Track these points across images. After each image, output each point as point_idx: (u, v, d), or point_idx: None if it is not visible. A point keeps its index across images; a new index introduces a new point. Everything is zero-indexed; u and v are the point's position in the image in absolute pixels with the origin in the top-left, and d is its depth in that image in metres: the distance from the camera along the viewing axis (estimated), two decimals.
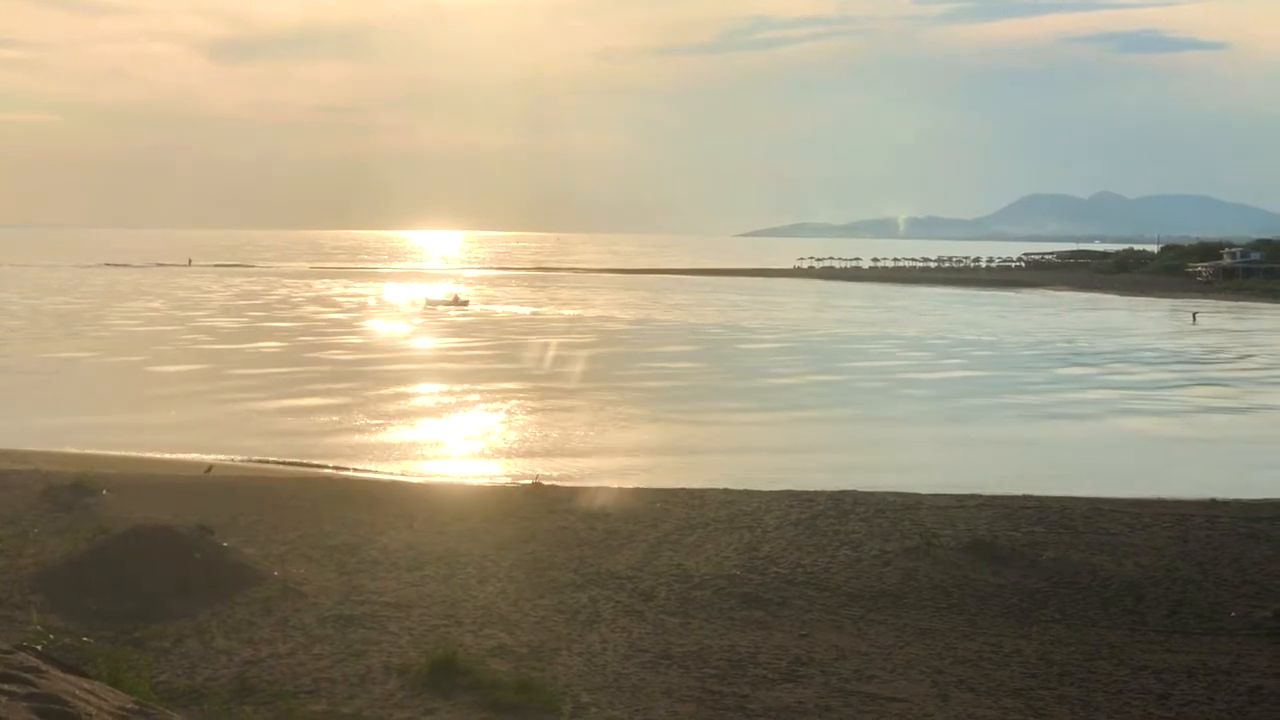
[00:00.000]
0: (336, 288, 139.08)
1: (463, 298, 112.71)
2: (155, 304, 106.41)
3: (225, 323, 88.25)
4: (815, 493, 28.94)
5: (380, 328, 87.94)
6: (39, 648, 9.83)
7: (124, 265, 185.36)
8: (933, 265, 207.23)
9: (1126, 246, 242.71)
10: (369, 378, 55.95)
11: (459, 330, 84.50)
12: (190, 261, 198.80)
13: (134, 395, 49.82)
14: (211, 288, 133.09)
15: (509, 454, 37.42)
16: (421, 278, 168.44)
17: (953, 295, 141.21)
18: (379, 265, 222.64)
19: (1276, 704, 15.68)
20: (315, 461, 35.33)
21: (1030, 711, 14.99)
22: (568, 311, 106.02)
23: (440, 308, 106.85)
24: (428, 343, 77.22)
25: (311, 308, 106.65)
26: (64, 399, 48.62)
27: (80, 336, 74.47)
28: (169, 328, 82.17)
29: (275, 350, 69.43)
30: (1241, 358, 72.69)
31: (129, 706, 7.61)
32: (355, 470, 34.08)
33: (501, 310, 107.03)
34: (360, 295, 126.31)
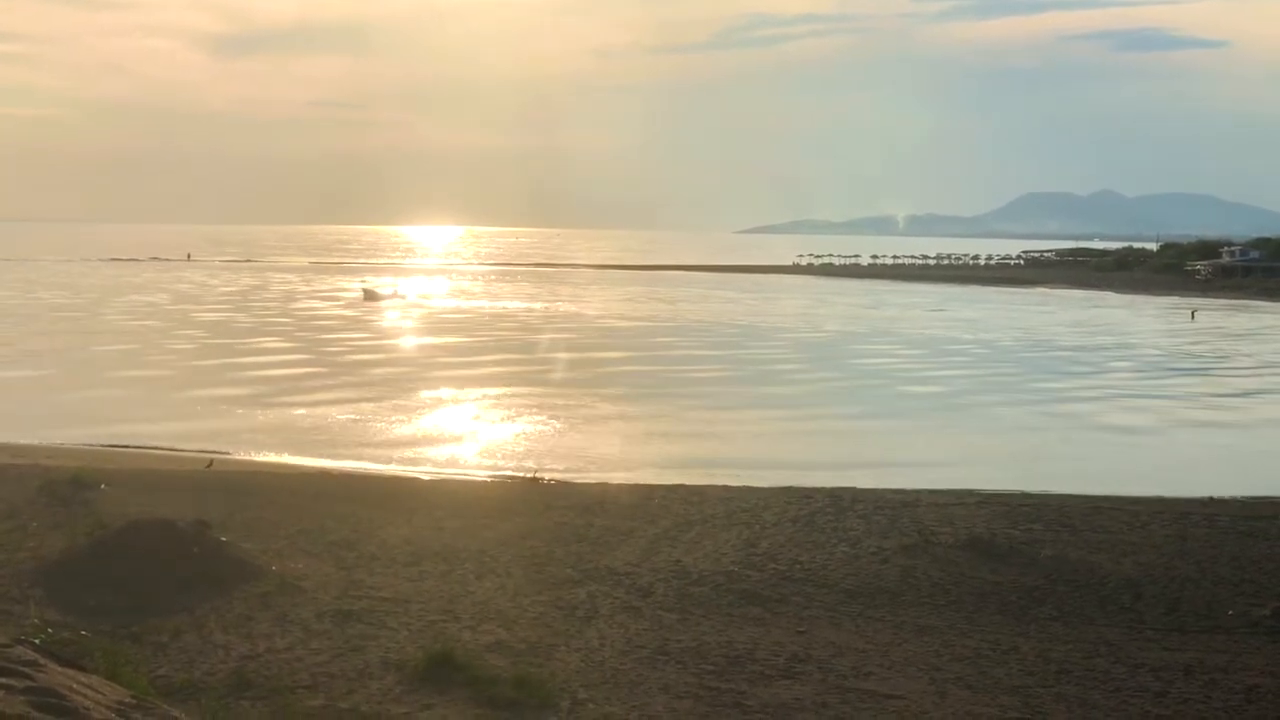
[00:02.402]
0: (311, 283, 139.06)
1: (400, 291, 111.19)
2: (155, 298, 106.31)
3: (218, 318, 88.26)
4: (813, 489, 28.96)
5: (322, 322, 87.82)
6: (37, 642, 9.84)
7: (129, 260, 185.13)
8: (932, 263, 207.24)
9: (1126, 245, 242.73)
10: (360, 375, 55.99)
11: (429, 329, 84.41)
12: (189, 256, 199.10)
13: (133, 392, 49.84)
14: (210, 283, 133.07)
15: (506, 450, 37.39)
16: (419, 273, 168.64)
17: (952, 293, 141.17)
18: (376, 260, 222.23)
19: (1273, 702, 15.69)
20: (314, 457, 35.34)
21: (1028, 709, 15.00)
22: (543, 306, 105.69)
23: (382, 300, 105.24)
24: (406, 340, 77.14)
25: (305, 303, 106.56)
26: (58, 393, 48.62)
27: (58, 334, 74.36)
28: (162, 323, 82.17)
29: (272, 346, 69.43)
30: (1230, 356, 72.73)
31: (127, 700, 7.61)
32: (354, 466, 34.08)
33: (479, 306, 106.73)
34: (346, 291, 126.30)
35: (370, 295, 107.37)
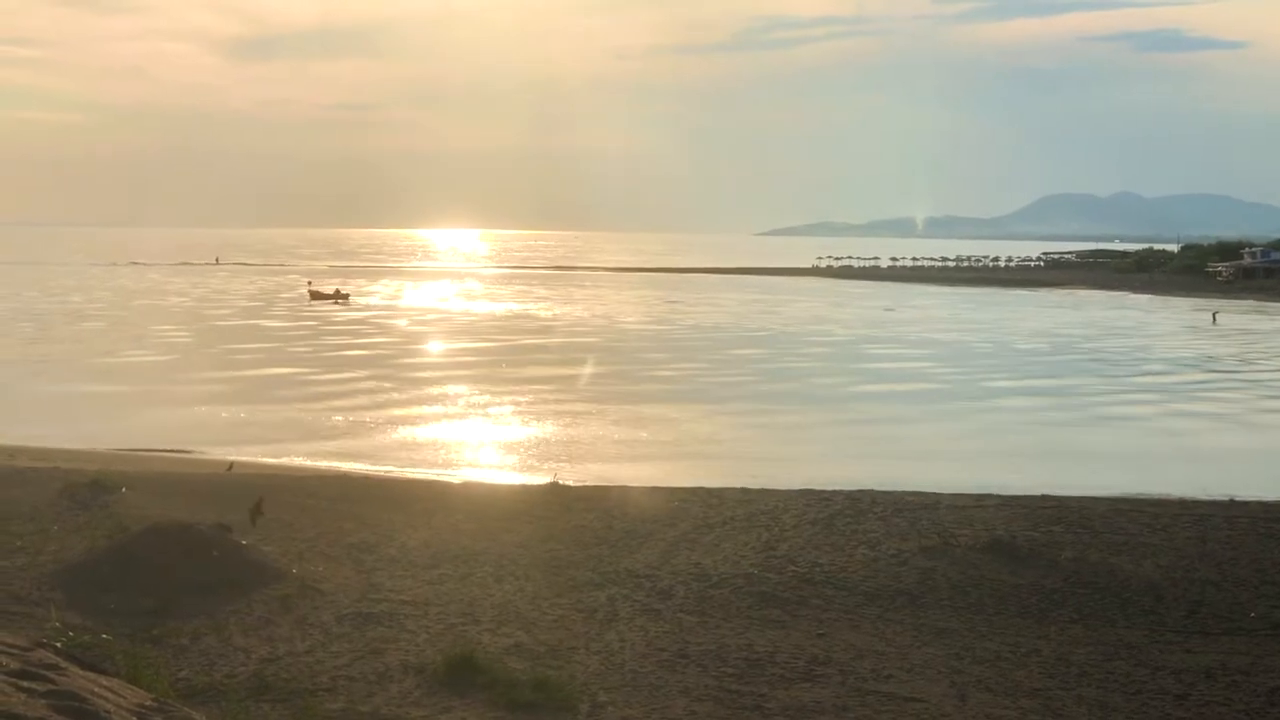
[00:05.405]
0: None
1: (343, 292, 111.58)
2: (181, 302, 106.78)
3: (253, 322, 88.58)
4: (833, 492, 28.89)
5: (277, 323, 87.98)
6: (58, 645, 9.88)
7: (158, 264, 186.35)
8: (951, 265, 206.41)
9: (1146, 246, 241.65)
10: (381, 373, 56.14)
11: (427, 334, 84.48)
12: (217, 260, 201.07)
13: (153, 393, 50.06)
14: (242, 287, 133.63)
15: (526, 453, 37.43)
16: (441, 276, 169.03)
17: (973, 295, 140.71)
18: (402, 264, 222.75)
19: None
20: (334, 460, 35.43)
21: (1048, 712, 14.94)
22: (552, 311, 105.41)
23: (334, 301, 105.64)
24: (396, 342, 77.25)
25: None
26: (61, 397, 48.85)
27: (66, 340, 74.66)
28: (195, 326, 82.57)
29: (300, 351, 69.64)
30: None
31: (147, 703, 7.63)
32: (374, 469, 34.13)
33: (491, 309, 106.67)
34: (370, 292, 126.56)
35: (317, 296, 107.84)
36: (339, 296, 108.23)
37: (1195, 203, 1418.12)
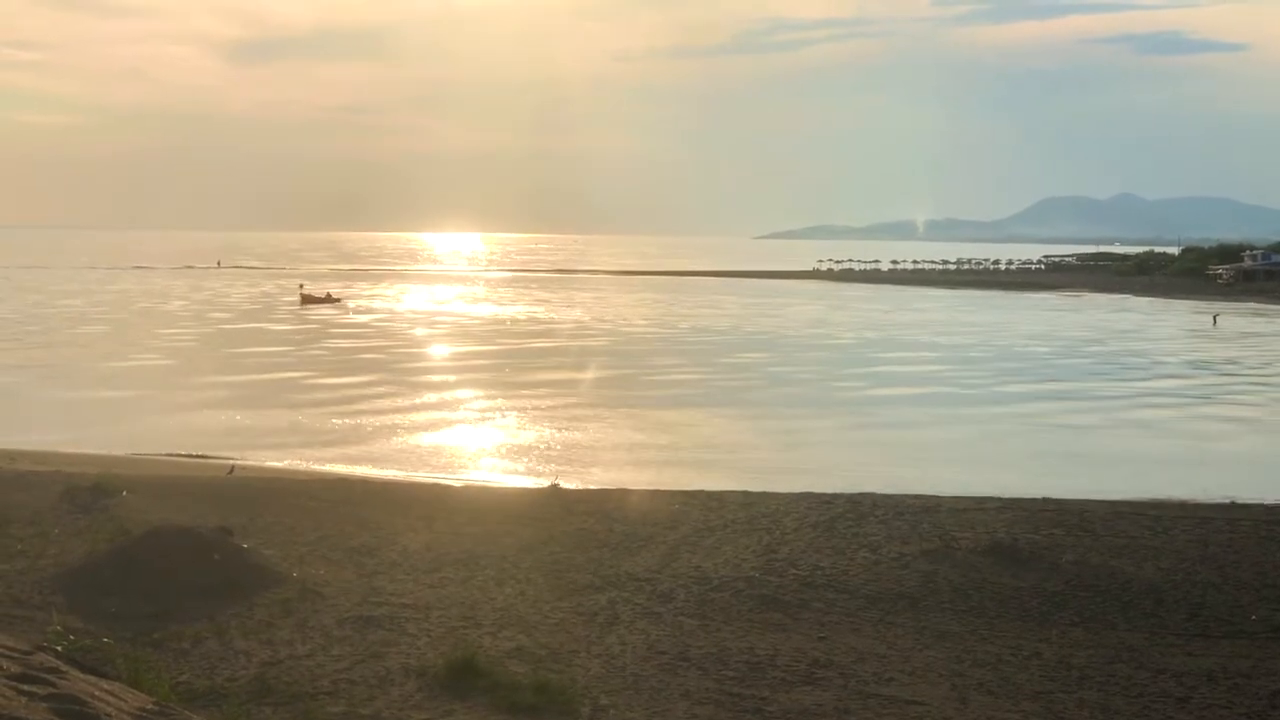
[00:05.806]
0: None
1: (335, 295, 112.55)
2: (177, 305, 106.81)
3: (243, 326, 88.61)
4: (834, 495, 28.89)
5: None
6: (59, 648, 9.88)
7: (160, 268, 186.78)
8: (953, 268, 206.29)
9: (1146, 248, 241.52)
10: (385, 375, 56.16)
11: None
12: (219, 263, 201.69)
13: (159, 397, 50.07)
14: (243, 290, 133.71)
15: (527, 456, 37.45)
16: (443, 280, 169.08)
17: (975, 298, 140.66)
18: (405, 267, 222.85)
19: None
20: (335, 463, 35.44)
21: (1049, 715, 14.94)
22: (553, 314, 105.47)
23: (324, 305, 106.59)
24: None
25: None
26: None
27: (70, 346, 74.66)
28: (203, 331, 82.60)
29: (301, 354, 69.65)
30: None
31: (148, 707, 7.64)
32: (375, 472, 34.14)
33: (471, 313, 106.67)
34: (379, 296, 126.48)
35: (308, 299, 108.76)
36: (330, 300, 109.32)
37: (1196, 205, 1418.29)
